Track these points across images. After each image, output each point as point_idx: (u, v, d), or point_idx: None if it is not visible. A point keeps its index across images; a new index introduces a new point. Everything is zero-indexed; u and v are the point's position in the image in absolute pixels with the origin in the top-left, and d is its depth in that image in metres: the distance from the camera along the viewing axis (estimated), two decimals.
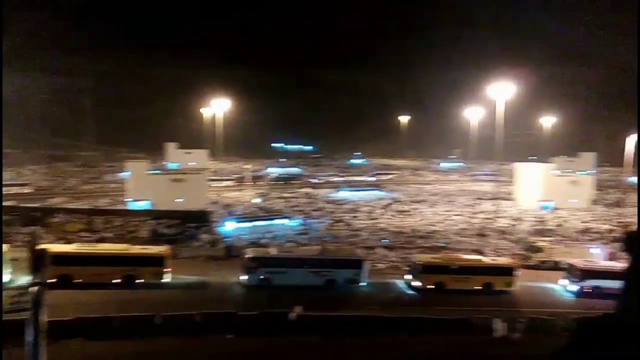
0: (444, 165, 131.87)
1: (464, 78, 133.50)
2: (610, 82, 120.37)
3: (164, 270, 37.51)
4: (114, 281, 36.62)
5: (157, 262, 37.67)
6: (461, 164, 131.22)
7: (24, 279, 19.22)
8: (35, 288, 17.76)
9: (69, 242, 44.85)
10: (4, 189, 71.26)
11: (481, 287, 40.19)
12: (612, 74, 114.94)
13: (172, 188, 64.20)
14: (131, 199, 63.32)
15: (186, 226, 54.39)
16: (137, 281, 37.04)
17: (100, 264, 36.42)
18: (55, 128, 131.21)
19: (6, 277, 35.04)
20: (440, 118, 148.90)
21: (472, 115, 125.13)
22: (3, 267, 35.03)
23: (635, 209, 60.70)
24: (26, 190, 73.50)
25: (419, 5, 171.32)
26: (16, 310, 18.80)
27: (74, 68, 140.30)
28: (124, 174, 76.42)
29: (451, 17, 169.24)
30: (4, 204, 60.06)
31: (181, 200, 62.48)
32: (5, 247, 37.22)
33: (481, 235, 58.93)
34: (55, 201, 66.49)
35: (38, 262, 17.50)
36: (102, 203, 67.54)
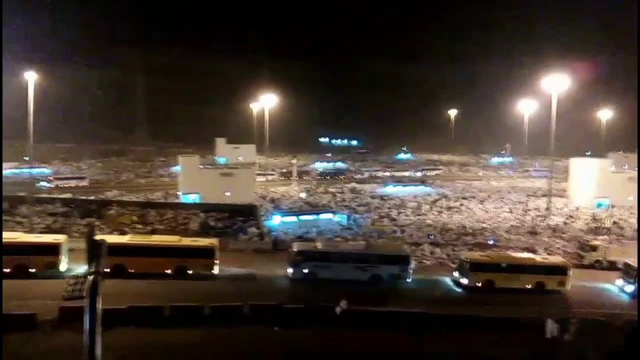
0: (494, 160, 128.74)
1: (516, 70, 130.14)
2: None
3: (214, 262, 38.27)
4: (165, 272, 37.66)
5: (207, 254, 38.41)
6: (512, 159, 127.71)
7: (82, 268, 20.02)
8: (92, 277, 18.45)
9: (123, 233, 46.46)
10: (63, 182, 74.89)
11: (532, 287, 39.17)
12: None
13: (221, 182, 65.60)
14: (182, 193, 65.00)
15: (234, 219, 55.41)
16: (187, 272, 37.98)
17: (152, 255, 37.38)
18: (111, 123, 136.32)
19: (64, 267, 36.71)
20: (490, 112, 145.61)
21: (524, 108, 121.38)
22: (62, 256, 36.73)
23: None
24: (83, 183, 76.66)
25: None
26: (74, 298, 19.55)
27: (128, 64, 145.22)
28: (175, 168, 78.47)
29: (503, 5, 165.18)
30: (62, 196, 62.93)
31: (230, 194, 63.69)
32: (62, 237, 38.98)
33: (532, 233, 57.37)
34: (111, 194, 69.02)
35: (95, 252, 18.14)
36: (155, 196, 69.60)
